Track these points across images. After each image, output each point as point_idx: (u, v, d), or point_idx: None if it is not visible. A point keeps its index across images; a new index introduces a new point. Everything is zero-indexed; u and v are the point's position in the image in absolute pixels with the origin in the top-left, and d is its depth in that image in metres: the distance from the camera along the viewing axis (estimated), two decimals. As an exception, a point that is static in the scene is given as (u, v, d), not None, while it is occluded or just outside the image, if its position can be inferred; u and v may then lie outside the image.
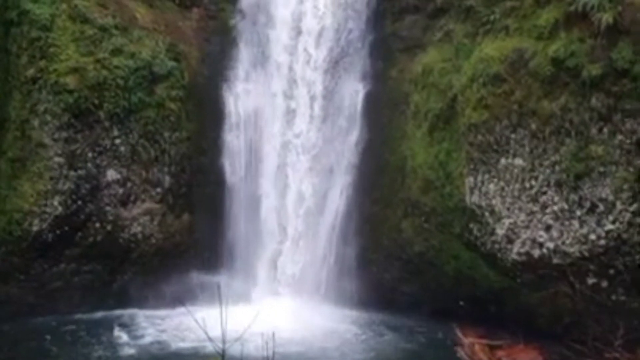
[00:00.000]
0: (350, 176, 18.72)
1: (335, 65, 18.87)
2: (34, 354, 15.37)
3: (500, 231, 15.47)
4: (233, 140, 19.22)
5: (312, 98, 18.87)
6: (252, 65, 19.44)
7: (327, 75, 18.81)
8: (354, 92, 18.88)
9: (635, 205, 13.69)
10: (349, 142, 18.76)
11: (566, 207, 14.56)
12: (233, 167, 19.20)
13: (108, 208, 17.72)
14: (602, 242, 14.14)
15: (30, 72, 17.16)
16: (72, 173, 17.24)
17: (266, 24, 19.44)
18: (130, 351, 15.66)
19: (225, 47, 19.49)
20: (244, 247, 19.07)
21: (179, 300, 16.91)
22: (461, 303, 16.44)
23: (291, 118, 19.00)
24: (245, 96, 19.28)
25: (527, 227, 15.11)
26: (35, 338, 16.07)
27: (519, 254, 15.23)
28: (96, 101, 17.26)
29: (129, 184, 17.91)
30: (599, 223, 14.15)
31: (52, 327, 16.69)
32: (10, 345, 15.61)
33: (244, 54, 19.47)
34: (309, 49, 18.95)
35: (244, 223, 19.15)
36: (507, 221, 15.37)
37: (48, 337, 16.11)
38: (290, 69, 19.08)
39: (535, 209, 14.98)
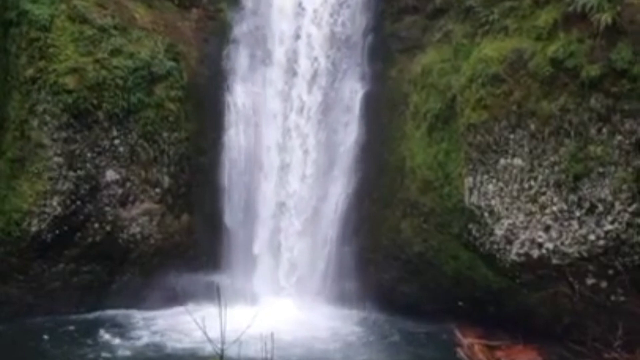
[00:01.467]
0: (349, 176, 18.73)
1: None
2: (31, 354, 15.37)
3: (499, 232, 15.46)
4: (232, 140, 19.22)
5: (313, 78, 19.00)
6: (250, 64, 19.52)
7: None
8: (353, 92, 18.90)
9: (634, 206, 13.69)
10: (348, 142, 18.77)
11: (565, 207, 14.55)
12: (232, 166, 19.20)
13: (107, 208, 17.72)
14: (601, 242, 14.14)
15: (30, 72, 17.17)
16: (71, 173, 17.23)
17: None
18: (128, 352, 15.65)
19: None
20: (243, 247, 19.07)
21: (178, 300, 16.93)
22: (460, 303, 16.43)
23: (288, 115, 19.07)
24: (244, 96, 19.28)
25: (526, 227, 15.10)
26: (33, 338, 16.08)
27: (518, 254, 15.23)
28: (95, 101, 17.26)
29: (128, 185, 17.90)
30: (598, 223, 14.15)
31: (50, 328, 16.69)
32: (7, 346, 15.60)
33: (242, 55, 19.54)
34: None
35: (244, 223, 19.16)
36: (506, 222, 15.37)
37: (46, 337, 16.12)
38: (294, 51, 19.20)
39: (534, 209, 14.97)
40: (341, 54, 18.97)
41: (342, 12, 19.03)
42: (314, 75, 18.92)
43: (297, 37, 19.11)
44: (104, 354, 15.39)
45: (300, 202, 18.88)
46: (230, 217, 19.12)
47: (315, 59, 18.94)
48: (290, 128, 19.07)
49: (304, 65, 18.99)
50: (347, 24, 18.98)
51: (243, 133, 19.23)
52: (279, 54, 19.26)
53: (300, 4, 19.14)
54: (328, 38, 18.98)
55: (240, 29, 19.52)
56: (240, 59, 19.46)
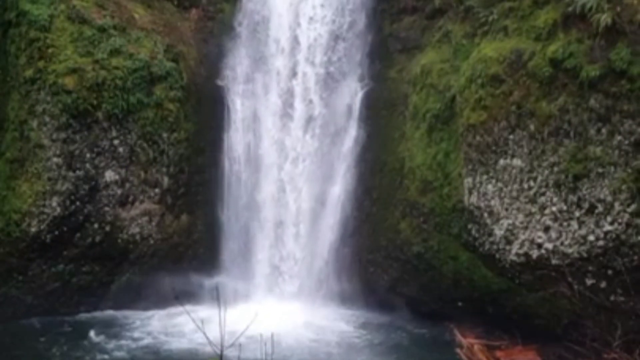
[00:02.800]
0: (349, 177, 18.72)
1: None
2: (28, 355, 15.32)
3: (498, 232, 15.46)
4: (232, 140, 19.22)
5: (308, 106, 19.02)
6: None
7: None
8: (352, 92, 18.90)
9: (633, 206, 13.68)
10: (347, 142, 18.76)
11: (565, 208, 14.55)
12: (232, 167, 19.20)
13: (106, 209, 17.72)
14: (601, 242, 14.14)
15: (29, 72, 17.16)
16: (70, 174, 17.22)
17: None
18: (126, 353, 15.62)
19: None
20: (243, 248, 19.07)
21: (177, 301, 16.91)
22: (460, 304, 16.45)
23: (288, 121, 19.03)
24: (243, 96, 19.28)
25: (525, 228, 15.10)
26: (30, 339, 16.07)
27: (517, 254, 15.22)
28: (94, 102, 17.26)
29: (127, 185, 17.90)
30: (597, 224, 14.15)
31: (48, 328, 16.69)
32: (4, 346, 15.58)
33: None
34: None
35: (243, 224, 19.16)
36: (505, 222, 15.36)
37: (42, 339, 16.07)
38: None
39: (533, 209, 14.97)
40: (341, 54, 18.98)
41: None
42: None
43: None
44: (101, 355, 15.37)
45: (300, 203, 18.87)
46: (230, 217, 19.11)
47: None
48: (289, 126, 19.06)
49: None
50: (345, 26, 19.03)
51: (242, 132, 19.22)
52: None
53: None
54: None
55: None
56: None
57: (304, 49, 18.93)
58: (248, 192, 19.23)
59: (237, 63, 19.39)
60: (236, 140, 19.23)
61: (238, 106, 19.21)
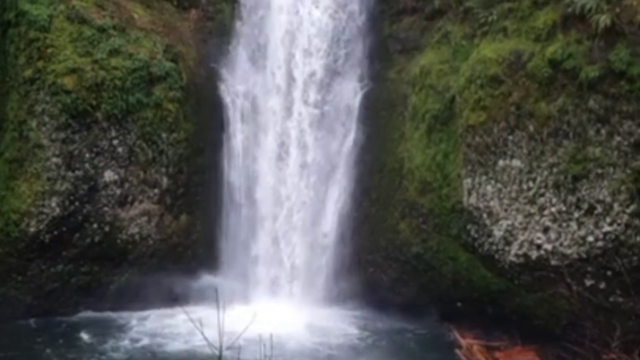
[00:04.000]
0: (348, 177, 18.73)
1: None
2: (23, 356, 15.27)
3: (497, 233, 15.46)
4: (231, 140, 19.21)
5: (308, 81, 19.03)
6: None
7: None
8: (352, 93, 18.90)
9: (632, 207, 13.68)
10: (346, 143, 18.77)
11: (564, 208, 14.55)
12: (231, 167, 19.19)
13: (106, 209, 17.71)
14: (600, 243, 14.14)
15: (28, 72, 17.15)
16: (69, 174, 17.21)
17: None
18: (124, 354, 15.58)
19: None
20: (242, 248, 19.07)
21: (177, 301, 16.93)
22: (459, 304, 16.45)
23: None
24: (242, 96, 19.27)
25: (524, 228, 15.10)
26: (27, 339, 16.04)
27: (516, 255, 15.23)
28: (94, 102, 17.25)
29: (126, 185, 17.89)
30: (596, 225, 14.15)
31: (45, 328, 16.67)
32: (0, 347, 15.54)
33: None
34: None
35: (242, 224, 19.15)
36: (504, 223, 15.37)
37: (39, 339, 16.03)
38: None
39: (533, 210, 14.97)
40: (341, 55, 19.00)
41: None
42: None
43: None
44: (98, 356, 15.32)
45: (299, 203, 18.87)
46: (229, 217, 19.11)
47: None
48: (289, 126, 19.06)
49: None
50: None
51: (241, 133, 19.21)
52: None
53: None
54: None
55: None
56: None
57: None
58: (247, 191, 19.21)
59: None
60: (235, 139, 19.23)
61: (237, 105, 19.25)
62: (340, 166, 18.87)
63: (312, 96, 18.84)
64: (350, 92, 18.90)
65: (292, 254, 18.86)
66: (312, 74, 18.85)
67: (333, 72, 18.91)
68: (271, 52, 19.22)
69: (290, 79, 19.00)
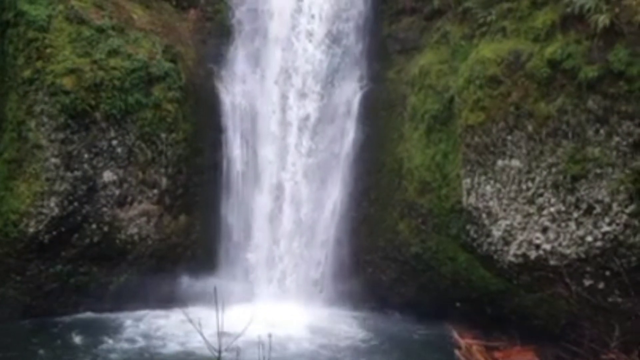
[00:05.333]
0: (347, 177, 18.73)
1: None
2: (18, 357, 15.19)
3: (496, 233, 15.47)
4: (230, 140, 19.21)
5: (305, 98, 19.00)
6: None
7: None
8: (351, 93, 18.90)
9: (631, 207, 13.69)
10: (346, 143, 18.76)
11: (563, 208, 14.56)
12: (230, 168, 19.19)
13: (104, 209, 17.71)
14: (599, 243, 14.14)
15: (27, 73, 17.14)
16: (68, 174, 17.21)
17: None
18: (123, 354, 15.50)
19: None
20: (241, 248, 19.07)
21: (176, 302, 16.93)
22: (458, 304, 16.45)
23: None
24: (241, 97, 19.27)
25: (523, 228, 15.11)
26: (24, 340, 15.98)
27: (515, 255, 15.23)
28: (93, 102, 17.24)
29: (125, 185, 17.88)
30: (595, 225, 14.15)
31: (44, 329, 16.63)
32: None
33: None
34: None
35: (241, 224, 19.15)
36: (503, 223, 15.37)
37: (35, 340, 15.99)
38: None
39: (531, 210, 14.98)
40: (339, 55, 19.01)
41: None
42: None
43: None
44: (95, 357, 15.25)
45: (298, 204, 18.87)
46: (228, 218, 19.11)
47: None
48: (290, 105, 19.09)
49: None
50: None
51: (240, 134, 19.22)
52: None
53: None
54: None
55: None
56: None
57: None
58: (246, 192, 19.21)
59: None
60: (234, 139, 19.24)
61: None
62: (339, 166, 18.86)
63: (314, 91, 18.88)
64: (350, 92, 18.90)
65: (291, 254, 18.85)
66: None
67: (332, 71, 18.91)
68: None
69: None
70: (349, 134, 18.78)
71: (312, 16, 19.00)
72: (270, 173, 19.06)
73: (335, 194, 18.78)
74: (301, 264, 18.78)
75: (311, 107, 18.85)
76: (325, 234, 18.76)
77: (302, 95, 18.88)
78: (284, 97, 18.96)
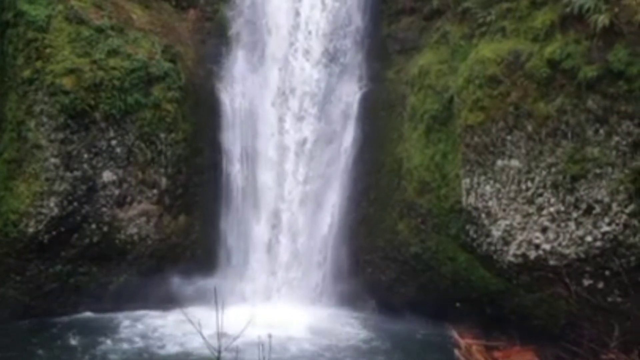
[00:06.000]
0: (346, 177, 18.72)
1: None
2: (17, 357, 15.18)
3: (496, 233, 15.46)
4: (229, 140, 19.20)
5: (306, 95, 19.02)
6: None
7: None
8: (350, 93, 18.89)
9: (631, 207, 13.68)
10: (345, 143, 18.76)
11: (562, 208, 14.55)
12: (229, 168, 19.18)
13: (104, 209, 17.71)
14: (598, 243, 14.14)
15: (27, 73, 17.15)
16: (68, 174, 17.21)
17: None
18: (122, 355, 15.48)
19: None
20: (240, 248, 19.07)
21: (175, 302, 16.91)
22: (457, 304, 16.43)
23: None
24: (241, 97, 19.27)
25: (523, 228, 15.10)
26: (24, 340, 15.97)
27: (515, 255, 15.23)
28: (92, 102, 17.25)
29: (125, 185, 17.89)
30: (595, 225, 14.15)
31: (44, 329, 16.63)
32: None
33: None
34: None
35: (241, 224, 19.14)
36: (503, 223, 15.37)
37: (34, 340, 15.98)
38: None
39: (531, 210, 14.97)
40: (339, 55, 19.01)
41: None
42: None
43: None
44: (96, 357, 15.23)
45: (297, 204, 18.87)
46: (228, 218, 19.11)
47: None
48: (287, 128, 19.08)
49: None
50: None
51: (240, 133, 19.22)
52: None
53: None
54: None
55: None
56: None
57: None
58: (245, 192, 19.22)
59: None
60: (234, 140, 19.24)
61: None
62: (338, 166, 18.86)
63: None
64: (349, 92, 18.89)
65: (291, 254, 18.84)
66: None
67: (330, 91, 18.92)
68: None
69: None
70: (348, 134, 18.77)
71: (310, 32, 18.94)
72: (267, 201, 19.05)
73: (334, 193, 18.77)
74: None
75: (308, 130, 18.84)
76: (324, 235, 18.74)
77: (299, 118, 18.86)
78: (281, 119, 18.95)
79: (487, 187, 15.56)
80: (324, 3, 18.99)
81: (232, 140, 19.10)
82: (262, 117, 19.16)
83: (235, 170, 19.10)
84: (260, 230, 19.06)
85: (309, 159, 18.86)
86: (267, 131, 19.12)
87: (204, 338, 6.04)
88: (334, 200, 18.79)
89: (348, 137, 18.78)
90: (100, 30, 17.67)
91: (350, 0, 19.06)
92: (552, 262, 14.75)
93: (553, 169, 14.57)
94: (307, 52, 18.95)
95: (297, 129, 18.89)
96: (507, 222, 15.30)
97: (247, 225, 19.11)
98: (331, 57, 18.93)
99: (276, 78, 19.09)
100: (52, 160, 17.10)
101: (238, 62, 19.33)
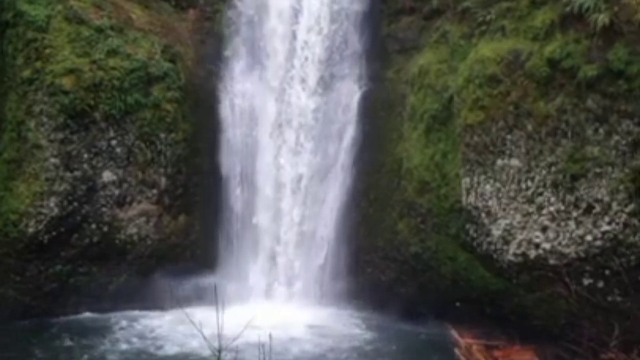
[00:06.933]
0: (346, 177, 18.72)
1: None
2: (16, 357, 15.18)
3: (496, 232, 15.46)
4: (229, 140, 19.20)
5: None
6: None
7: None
8: (350, 93, 18.88)
9: (631, 206, 13.68)
10: (345, 143, 18.75)
11: (562, 208, 14.55)
12: (229, 167, 19.18)
13: (104, 209, 17.71)
14: (598, 242, 14.13)
15: (26, 73, 17.16)
16: (68, 174, 17.21)
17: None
18: (121, 355, 15.46)
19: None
20: (240, 248, 19.06)
21: (175, 302, 16.87)
22: (457, 304, 16.43)
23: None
24: (241, 96, 19.26)
25: (523, 228, 15.10)
26: (23, 340, 15.96)
27: (515, 255, 15.22)
28: (92, 102, 17.26)
29: (125, 185, 17.89)
30: (595, 224, 14.14)
31: (44, 329, 16.62)
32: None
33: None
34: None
35: (240, 224, 19.14)
36: (503, 222, 15.36)
37: (34, 340, 15.97)
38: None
39: (531, 209, 14.97)
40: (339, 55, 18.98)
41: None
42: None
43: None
44: (96, 358, 15.21)
45: (297, 203, 18.86)
46: (227, 218, 19.10)
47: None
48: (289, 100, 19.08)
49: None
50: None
51: (240, 133, 19.21)
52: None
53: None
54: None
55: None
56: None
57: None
58: (245, 192, 19.21)
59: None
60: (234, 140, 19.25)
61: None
62: (338, 166, 18.85)
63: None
64: (349, 92, 18.88)
65: (291, 254, 18.84)
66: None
67: (331, 73, 18.90)
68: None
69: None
70: (348, 134, 18.77)
71: (306, 58, 18.84)
72: (264, 244, 19.00)
73: (334, 193, 18.76)
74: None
75: (304, 166, 18.79)
76: (324, 235, 18.73)
77: (296, 153, 18.83)
78: (277, 155, 18.90)
79: (487, 187, 15.56)
80: (320, 25, 18.79)
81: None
82: (260, 151, 19.19)
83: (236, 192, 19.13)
84: (257, 271, 19.05)
85: (305, 197, 18.79)
86: (264, 169, 19.13)
87: (205, 338, 6.04)
88: (334, 200, 18.76)
89: (348, 136, 18.77)
90: (100, 30, 17.68)
91: (347, 22, 18.93)
92: (552, 262, 14.74)
93: (553, 168, 14.56)
94: (303, 81, 18.81)
95: (294, 163, 18.82)
96: (507, 221, 15.29)
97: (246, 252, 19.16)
98: (326, 86, 18.77)
99: (273, 110, 18.99)
100: (52, 160, 17.11)
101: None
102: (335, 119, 18.83)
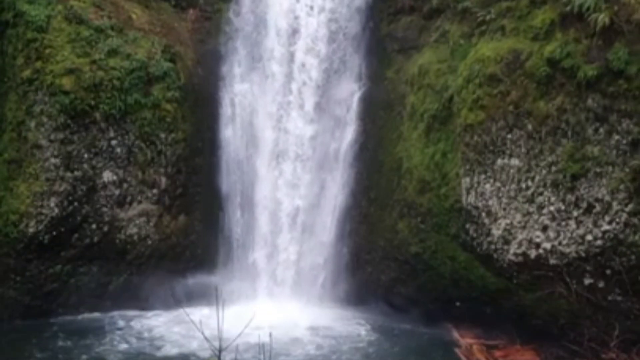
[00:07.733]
0: (346, 177, 18.73)
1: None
2: (16, 357, 15.17)
3: (496, 232, 15.46)
4: (229, 140, 19.21)
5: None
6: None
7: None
8: (350, 92, 18.88)
9: (631, 206, 13.69)
10: (344, 143, 18.75)
11: (562, 207, 14.56)
12: (229, 167, 19.19)
13: (104, 209, 17.71)
14: (599, 242, 14.14)
15: (26, 73, 17.15)
16: (68, 174, 17.21)
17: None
18: (120, 355, 15.42)
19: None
20: (240, 248, 19.07)
21: (175, 302, 16.90)
22: (457, 304, 16.45)
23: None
24: (241, 96, 19.27)
25: (523, 227, 15.10)
26: (22, 341, 15.95)
27: (515, 254, 15.23)
28: (92, 102, 17.26)
29: (125, 185, 17.89)
30: (595, 223, 14.15)
31: (44, 330, 16.60)
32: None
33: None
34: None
35: (240, 224, 19.15)
36: (503, 222, 15.37)
37: (34, 340, 15.97)
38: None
39: (531, 209, 14.97)
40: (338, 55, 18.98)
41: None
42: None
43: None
44: (96, 358, 15.18)
45: (297, 203, 18.87)
46: (228, 218, 19.12)
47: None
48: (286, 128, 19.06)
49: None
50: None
51: (240, 133, 19.21)
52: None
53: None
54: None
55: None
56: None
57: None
58: (245, 192, 19.21)
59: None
60: (233, 139, 19.24)
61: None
62: (338, 166, 18.85)
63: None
64: (348, 92, 18.88)
65: (291, 254, 18.84)
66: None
67: (330, 72, 18.88)
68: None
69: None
70: (347, 134, 18.76)
71: (304, 83, 18.74)
72: (261, 283, 18.91)
73: (334, 192, 18.75)
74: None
75: (300, 200, 18.72)
76: (325, 235, 18.74)
77: (293, 186, 18.77)
78: (274, 187, 18.85)
79: (487, 186, 15.56)
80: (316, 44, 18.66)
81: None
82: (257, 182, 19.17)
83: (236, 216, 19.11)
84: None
85: (301, 234, 18.72)
86: (262, 202, 19.07)
87: (205, 338, 6.04)
88: (334, 200, 18.76)
89: (347, 136, 18.76)
90: (99, 30, 17.68)
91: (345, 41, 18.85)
92: (552, 261, 14.75)
93: (553, 168, 14.57)
94: (300, 108, 18.69)
95: (291, 197, 18.74)
96: (507, 221, 15.30)
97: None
98: (321, 111, 18.66)
99: (269, 139, 18.96)
100: (52, 160, 17.11)
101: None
102: (335, 119, 18.80)
